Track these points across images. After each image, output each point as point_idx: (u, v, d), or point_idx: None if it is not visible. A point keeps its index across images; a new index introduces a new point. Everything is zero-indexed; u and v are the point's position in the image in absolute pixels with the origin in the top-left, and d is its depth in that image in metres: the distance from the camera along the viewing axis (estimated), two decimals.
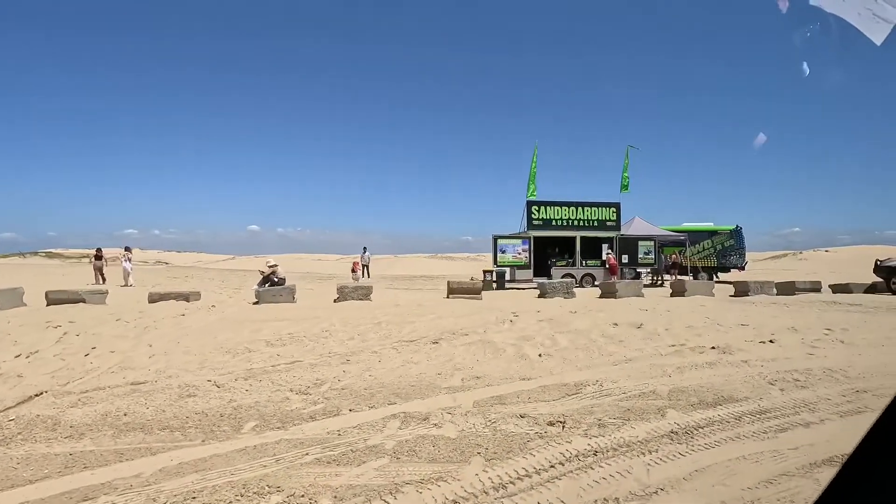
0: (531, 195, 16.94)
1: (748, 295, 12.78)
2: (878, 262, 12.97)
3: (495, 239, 15.88)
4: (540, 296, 11.95)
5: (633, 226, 18.70)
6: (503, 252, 15.94)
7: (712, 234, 21.40)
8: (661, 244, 20.16)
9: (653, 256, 17.24)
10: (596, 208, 17.00)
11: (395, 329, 6.20)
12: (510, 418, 3.11)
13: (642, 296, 11.84)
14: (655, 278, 21.84)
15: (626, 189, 18.01)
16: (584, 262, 16.97)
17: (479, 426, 2.98)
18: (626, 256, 17.05)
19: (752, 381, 3.89)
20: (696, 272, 21.65)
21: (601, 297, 12.16)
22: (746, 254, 21.61)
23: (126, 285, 14.83)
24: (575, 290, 12.76)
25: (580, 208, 16.88)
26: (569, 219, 16.79)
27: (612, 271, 16.66)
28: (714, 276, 21.63)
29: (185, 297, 9.93)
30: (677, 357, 4.63)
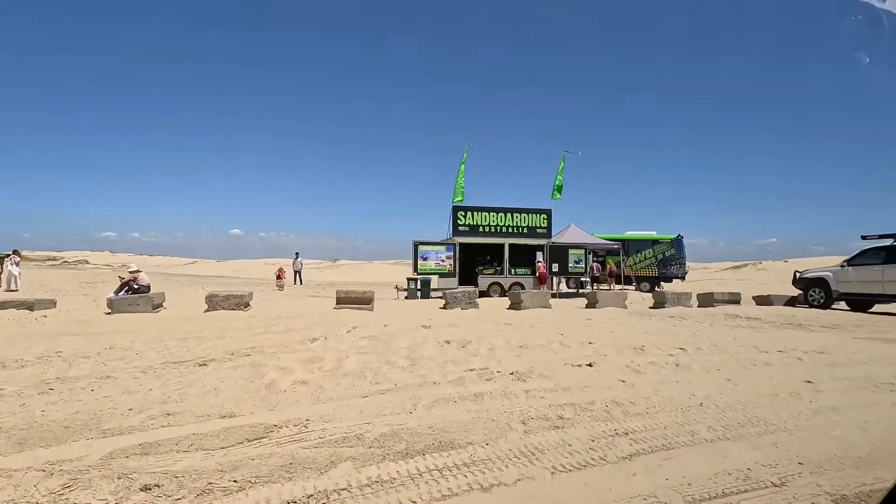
0: (457, 200, 16.28)
1: (665, 307, 12.32)
2: (797, 274, 12.64)
3: (416, 245, 15.14)
4: (443, 306, 11.24)
5: (568, 233, 18.23)
6: (425, 259, 15.21)
7: (654, 243, 21.12)
8: (595, 252, 19.78)
9: (583, 265, 16.73)
10: (526, 215, 16.44)
11: (194, 344, 5.36)
12: (106, 480, 2.31)
13: (549, 307, 11.23)
14: (595, 287, 21.46)
15: (559, 195, 17.50)
16: (512, 270, 16.36)
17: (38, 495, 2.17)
18: (557, 265, 16.51)
19: (500, 420, 3.18)
20: (638, 281, 21.37)
21: (509, 308, 11.52)
22: (687, 263, 21.36)
23: (10, 290, 13.62)
24: (479, 300, 12.08)
25: (509, 214, 16.30)
26: (497, 225, 16.18)
27: (541, 280, 16.12)
28: (658, 286, 21.36)
29: (30, 306, 8.88)
30: (453, 386, 3.90)
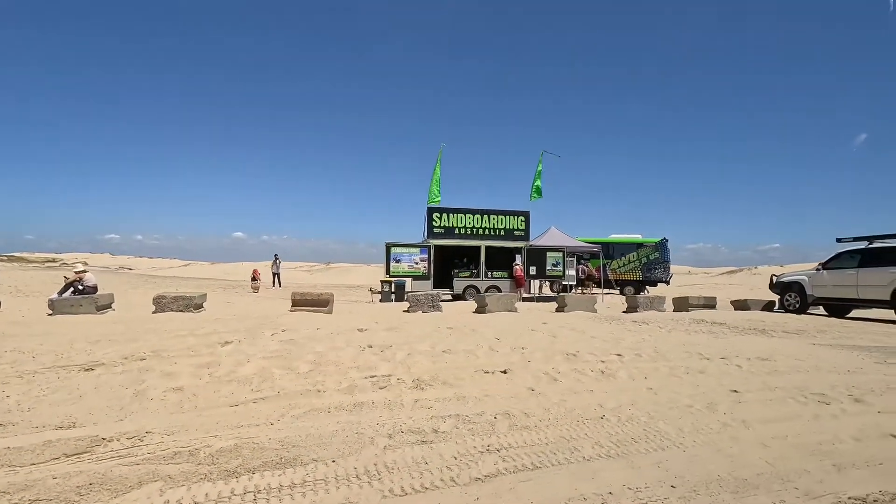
0: (433, 201, 15.98)
1: (637, 311, 12.02)
2: (774, 278, 12.33)
3: (388, 247, 14.84)
4: (406, 310, 10.94)
5: (549, 236, 17.94)
6: (397, 261, 14.90)
7: (638, 246, 20.82)
8: (582, 256, 19.48)
9: (561, 268, 16.42)
10: (503, 216, 16.14)
11: (100, 347, 5.05)
12: None
13: (515, 311, 10.92)
14: (579, 290, 21.15)
15: (538, 196, 17.19)
16: (489, 273, 16.05)
17: None
18: (535, 268, 16.20)
19: (365, 434, 2.87)
20: (622, 285, 21.04)
21: (475, 311, 11.21)
22: (671, 267, 21.05)
23: None
24: (446, 303, 11.77)
25: (486, 216, 16.00)
26: (473, 227, 15.89)
27: (518, 283, 15.82)
28: (643, 290, 21.04)
29: None
30: (340, 395, 3.59)
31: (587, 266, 20.51)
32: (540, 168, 17.16)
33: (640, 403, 3.59)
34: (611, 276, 20.94)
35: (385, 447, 2.71)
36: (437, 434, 2.91)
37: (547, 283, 21.74)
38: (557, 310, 11.86)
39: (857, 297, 10.26)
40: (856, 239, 10.65)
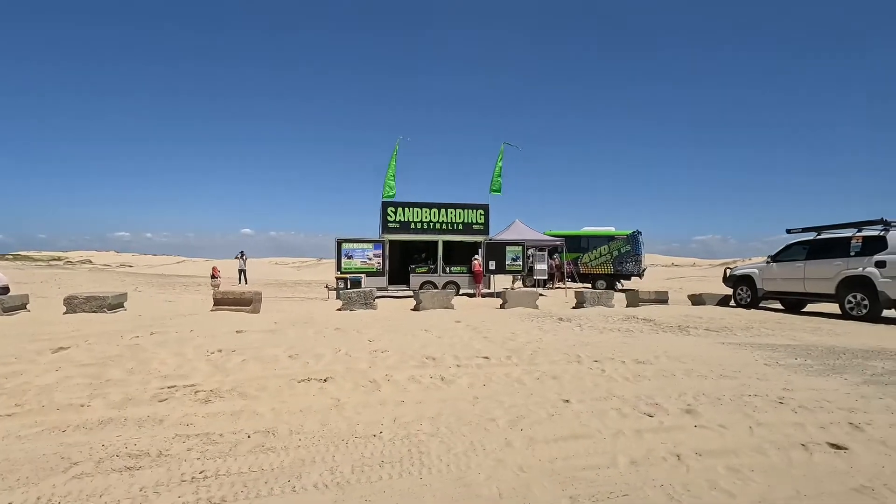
0: (387, 196, 15.60)
1: (584, 306, 11.65)
2: (727, 272, 11.90)
3: (339, 243, 14.48)
4: (339, 308, 10.60)
5: (513, 229, 17.55)
6: (349, 257, 14.55)
7: (610, 239, 20.38)
8: (545, 250, 19.09)
9: (520, 262, 16.03)
10: (462, 210, 15.73)
11: None
12: None
13: (451, 308, 10.57)
14: (550, 284, 20.78)
15: (498, 191, 16.76)
16: (447, 268, 15.69)
17: None
18: (494, 262, 15.82)
19: (50, 460, 2.54)
20: (594, 279, 20.64)
21: (413, 308, 10.89)
22: (644, 260, 20.61)
23: None
24: (377, 301, 11.44)
25: (444, 210, 15.59)
26: (431, 221, 15.49)
27: (476, 279, 15.46)
28: (617, 284, 20.65)
29: None
30: (104, 409, 3.26)
31: (558, 260, 20.14)
32: (500, 161, 16.72)
33: (442, 417, 3.24)
34: (583, 270, 20.54)
35: (79, 475, 2.37)
36: (157, 458, 2.57)
37: (519, 277, 21.41)
38: (501, 306, 11.51)
39: (804, 290, 9.84)
40: (804, 230, 10.20)
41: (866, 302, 8.66)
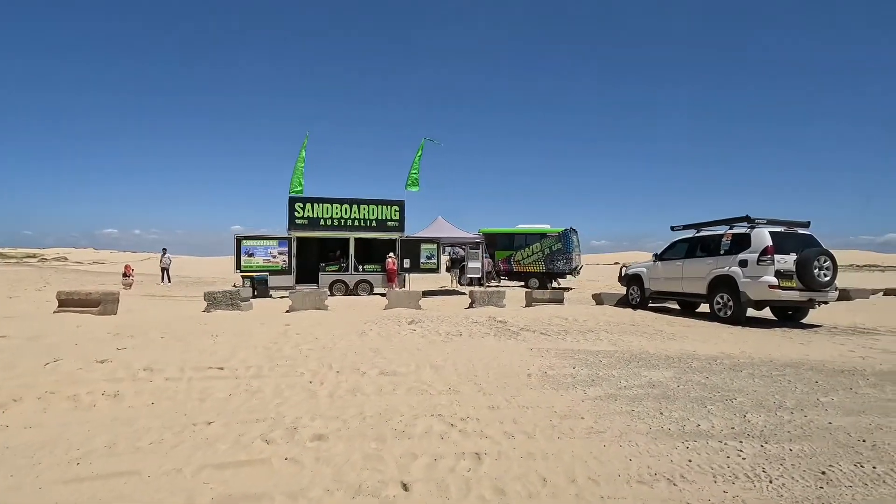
0: (295, 191, 15.03)
1: (473, 307, 11.29)
2: (623, 270, 11.62)
3: (238, 240, 13.88)
4: (204, 310, 10.03)
5: (435, 226, 17.12)
6: (250, 255, 13.97)
7: (542, 237, 20.08)
8: (472, 247, 18.72)
9: (435, 260, 15.62)
10: (375, 206, 15.25)
11: None
12: None
13: (325, 308, 10.11)
14: (485, 283, 20.44)
15: (415, 186, 16.29)
16: (360, 266, 15.20)
17: None
18: (409, 260, 15.38)
19: None
20: (527, 278, 20.35)
21: (287, 311, 10.38)
22: (577, 258, 20.34)
23: None
24: (253, 301, 10.92)
25: (355, 206, 15.09)
26: (341, 218, 14.98)
27: (389, 278, 15.00)
28: (551, 282, 20.38)
29: None
30: None
31: (488, 258, 19.78)
32: (419, 156, 16.24)
33: (65, 434, 2.75)
34: (516, 269, 20.25)
35: None
36: None
37: (456, 275, 21.02)
38: (386, 307, 11.07)
39: (681, 290, 9.58)
40: (686, 227, 9.93)
41: (731, 303, 8.41)
